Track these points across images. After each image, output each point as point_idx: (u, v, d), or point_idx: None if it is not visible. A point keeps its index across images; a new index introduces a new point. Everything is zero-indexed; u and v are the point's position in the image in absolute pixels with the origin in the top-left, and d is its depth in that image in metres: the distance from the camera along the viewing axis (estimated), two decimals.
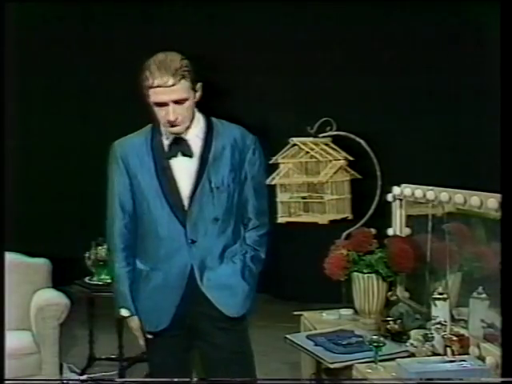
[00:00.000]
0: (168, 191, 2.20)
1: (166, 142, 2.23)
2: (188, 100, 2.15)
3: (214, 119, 2.29)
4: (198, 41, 4.78)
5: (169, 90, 2.10)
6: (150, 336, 2.30)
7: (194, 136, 2.23)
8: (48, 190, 5.10)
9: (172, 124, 2.15)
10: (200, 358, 2.34)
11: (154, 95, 2.11)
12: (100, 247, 3.79)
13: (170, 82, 2.09)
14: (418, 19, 4.56)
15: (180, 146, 2.22)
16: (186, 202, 2.21)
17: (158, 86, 2.09)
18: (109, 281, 3.82)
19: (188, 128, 2.21)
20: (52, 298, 3.56)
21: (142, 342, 2.35)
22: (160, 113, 2.15)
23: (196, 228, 2.20)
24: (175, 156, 2.21)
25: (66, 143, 5.20)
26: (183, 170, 2.22)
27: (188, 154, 2.22)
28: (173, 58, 2.12)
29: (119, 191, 2.26)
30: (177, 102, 2.12)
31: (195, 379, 2.30)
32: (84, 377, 3.62)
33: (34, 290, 3.64)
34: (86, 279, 3.85)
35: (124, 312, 2.29)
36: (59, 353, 3.52)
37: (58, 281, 3.87)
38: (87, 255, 3.84)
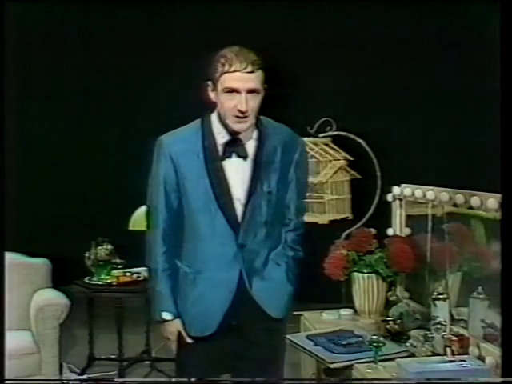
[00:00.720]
0: (219, 193, 2.10)
1: (220, 142, 2.11)
2: (259, 94, 2.05)
3: (263, 118, 2.17)
4: None
5: (246, 76, 2.01)
6: (190, 341, 2.20)
7: (248, 136, 2.13)
8: (48, 189, 5.11)
9: (242, 115, 2.04)
10: (235, 357, 2.23)
11: (229, 81, 2.01)
12: (100, 247, 3.78)
13: (249, 68, 2.01)
14: (419, 19, 4.56)
15: (235, 146, 2.11)
16: (237, 206, 2.12)
17: (234, 71, 2.01)
18: (108, 281, 3.83)
19: (249, 127, 2.10)
20: (52, 298, 3.56)
21: (174, 346, 2.24)
22: (229, 102, 2.03)
23: (247, 232, 2.13)
24: (229, 157, 2.11)
25: (66, 143, 5.20)
26: (236, 172, 2.12)
27: (243, 155, 2.11)
28: (249, 51, 2.05)
29: (166, 190, 2.15)
30: (250, 91, 2.02)
31: (193, 379, 2.27)
32: (84, 376, 3.62)
33: (33, 290, 3.63)
34: (86, 279, 3.84)
35: (166, 315, 2.18)
36: (59, 353, 3.52)
37: (58, 281, 3.86)
38: (87, 255, 3.83)
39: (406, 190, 2.95)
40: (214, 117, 2.14)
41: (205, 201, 2.11)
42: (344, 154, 3.88)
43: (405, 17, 4.60)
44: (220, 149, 2.11)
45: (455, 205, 2.56)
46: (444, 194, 2.63)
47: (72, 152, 5.20)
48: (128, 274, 3.86)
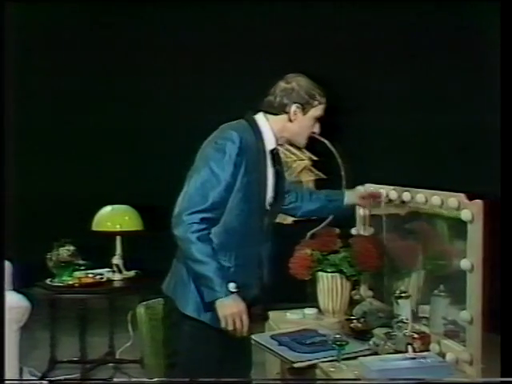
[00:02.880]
0: (258, 191, 2.30)
1: (268, 148, 2.35)
2: None
3: None
4: None
5: (324, 108, 2.40)
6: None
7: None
8: (7, 190, 5.00)
9: (312, 136, 2.41)
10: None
11: (321, 111, 2.38)
12: (62, 248, 3.73)
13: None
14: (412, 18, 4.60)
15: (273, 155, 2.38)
16: (268, 203, 2.36)
17: (324, 104, 2.38)
18: (71, 282, 3.77)
19: None
20: (12, 301, 3.49)
21: (246, 328, 2.26)
22: (313, 127, 2.39)
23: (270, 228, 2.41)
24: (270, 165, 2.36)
25: (29, 143, 5.12)
26: (269, 172, 2.36)
27: (275, 165, 2.39)
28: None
29: (227, 183, 2.23)
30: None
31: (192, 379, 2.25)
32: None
33: None
34: (48, 281, 3.78)
35: (232, 287, 2.22)
36: (19, 356, 3.45)
37: (19, 283, 3.79)
38: (49, 256, 3.77)
39: (370, 189, 2.97)
40: (261, 121, 2.34)
41: (249, 196, 2.27)
42: (308, 154, 3.90)
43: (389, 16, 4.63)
44: (268, 153, 2.34)
45: (417, 204, 2.59)
46: (406, 193, 2.66)
47: (33, 152, 5.13)
48: (91, 275, 3.82)
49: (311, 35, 4.82)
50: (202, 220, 2.18)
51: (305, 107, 2.34)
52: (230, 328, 2.23)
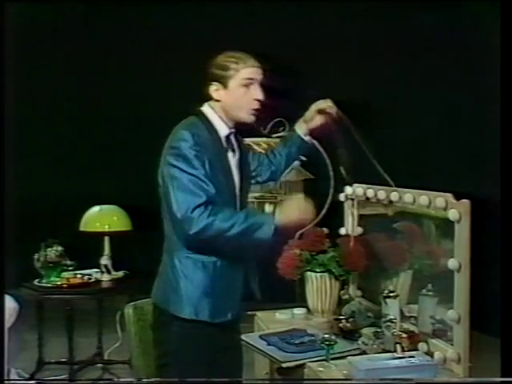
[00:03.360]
0: (226, 181, 2.26)
1: (222, 135, 2.30)
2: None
3: None
4: None
5: (259, 70, 2.28)
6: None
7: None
8: None
9: (259, 105, 2.25)
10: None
11: (248, 74, 2.24)
12: (50, 248, 3.71)
13: (257, 64, 2.27)
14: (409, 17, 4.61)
15: (231, 140, 2.32)
16: (237, 189, 2.32)
17: (251, 66, 2.25)
18: (59, 283, 3.75)
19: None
20: None
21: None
22: (247, 94, 2.25)
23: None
24: (229, 150, 2.30)
25: (19, 144, 5.09)
26: (231, 158, 2.32)
27: (234, 149, 2.32)
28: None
29: (205, 175, 2.20)
30: (261, 85, 2.27)
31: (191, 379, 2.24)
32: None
33: None
34: (35, 281, 3.76)
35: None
36: (7, 358, 3.42)
37: (6, 284, 3.76)
38: (36, 257, 3.75)
39: (358, 189, 2.98)
40: (209, 112, 2.30)
41: (219, 189, 2.22)
42: None
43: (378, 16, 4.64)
44: (223, 141, 2.29)
45: (405, 204, 2.60)
46: (394, 193, 2.68)
47: (20, 153, 5.10)
48: (79, 275, 3.80)
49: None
50: (207, 206, 2.15)
51: (221, 81, 2.25)
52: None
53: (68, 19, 5.18)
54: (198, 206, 2.14)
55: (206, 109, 2.31)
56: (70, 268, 3.80)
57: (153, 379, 2.24)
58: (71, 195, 4.86)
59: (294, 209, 2.19)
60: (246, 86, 2.25)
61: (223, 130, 2.30)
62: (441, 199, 2.35)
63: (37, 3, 4.85)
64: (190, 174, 2.16)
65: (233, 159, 2.32)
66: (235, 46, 2.29)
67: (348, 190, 3.07)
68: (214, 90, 2.27)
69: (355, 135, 2.38)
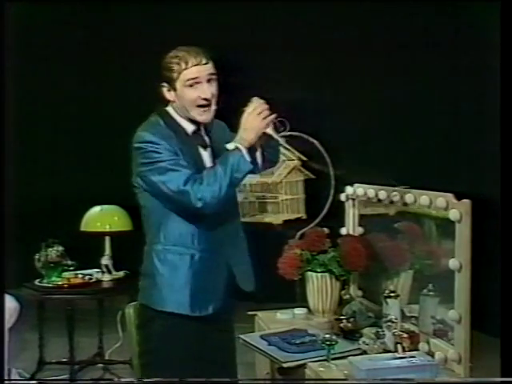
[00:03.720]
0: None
1: (189, 131, 2.29)
2: (216, 81, 2.26)
3: None
4: None
5: (203, 68, 2.22)
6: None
7: (209, 126, 2.33)
8: None
9: (206, 103, 2.22)
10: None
11: (190, 74, 2.21)
12: (50, 249, 3.71)
13: (204, 60, 2.22)
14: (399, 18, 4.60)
15: (198, 136, 2.30)
16: None
17: (192, 66, 2.21)
18: (59, 283, 3.75)
19: (212, 117, 2.29)
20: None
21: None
22: (193, 94, 2.22)
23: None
24: (199, 145, 2.29)
25: (18, 144, 5.10)
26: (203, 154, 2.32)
27: (205, 145, 2.30)
28: (195, 47, 2.25)
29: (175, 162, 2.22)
30: (209, 80, 2.23)
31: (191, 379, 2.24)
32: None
33: None
34: (36, 282, 3.76)
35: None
36: (7, 358, 3.42)
37: (7, 284, 3.76)
38: (37, 257, 3.75)
39: (359, 189, 2.98)
40: (171, 110, 2.29)
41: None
42: (298, 154, 3.90)
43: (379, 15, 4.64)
44: (191, 137, 2.28)
45: (406, 204, 2.60)
46: (395, 193, 2.67)
47: (20, 153, 5.10)
48: (79, 275, 3.80)
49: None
50: (193, 178, 2.18)
51: (169, 83, 2.24)
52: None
53: (68, 19, 5.18)
54: (187, 179, 2.17)
55: (169, 108, 2.31)
56: (71, 268, 3.80)
57: (153, 379, 2.23)
58: (72, 195, 4.86)
59: (251, 120, 2.19)
60: (191, 85, 2.22)
61: (189, 127, 2.29)
62: (442, 199, 2.35)
63: (37, 3, 4.85)
64: (164, 160, 2.19)
65: (205, 154, 2.31)
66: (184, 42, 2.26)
67: (349, 189, 3.07)
68: (166, 91, 2.27)
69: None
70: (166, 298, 2.25)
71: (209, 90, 2.22)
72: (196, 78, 2.21)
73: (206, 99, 2.23)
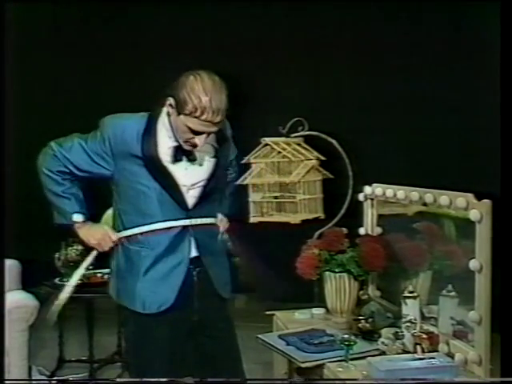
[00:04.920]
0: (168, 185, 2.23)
1: (169, 145, 2.20)
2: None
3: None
4: None
5: (213, 126, 2.11)
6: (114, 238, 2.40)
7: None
8: (15, 190, 5.02)
9: (194, 145, 2.15)
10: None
11: (196, 125, 2.09)
12: (70, 248, 3.73)
13: (218, 119, 2.09)
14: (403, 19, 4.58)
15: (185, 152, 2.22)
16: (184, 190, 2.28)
17: (205, 120, 2.07)
18: (79, 281, 3.78)
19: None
20: (21, 300, 3.50)
21: (96, 251, 2.47)
22: (189, 134, 2.12)
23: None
24: (179, 161, 2.21)
25: (33, 142, 5.14)
26: (185, 173, 2.26)
27: (193, 158, 2.21)
28: (223, 95, 2.08)
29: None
30: (210, 134, 2.14)
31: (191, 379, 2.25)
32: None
33: None
34: (56, 280, 3.79)
35: (77, 217, 2.39)
36: (28, 355, 3.46)
37: (28, 282, 3.80)
38: (57, 256, 3.78)
39: (378, 189, 2.97)
40: (162, 115, 2.20)
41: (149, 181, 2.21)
42: (316, 153, 3.89)
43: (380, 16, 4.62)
44: (168, 152, 2.18)
45: (425, 204, 2.58)
46: (414, 193, 2.66)
47: (36, 151, 5.15)
48: (99, 274, 3.82)
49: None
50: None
51: (178, 106, 2.09)
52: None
53: (67, 19, 5.19)
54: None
55: (163, 112, 2.20)
56: (91, 267, 3.82)
57: (153, 379, 2.25)
58: (92, 195, 4.88)
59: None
60: (190, 129, 2.10)
61: (169, 139, 2.18)
62: (462, 199, 2.33)
63: (37, 3, 4.87)
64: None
65: (183, 172, 2.21)
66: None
67: (367, 189, 3.06)
68: (168, 104, 2.14)
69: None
70: (146, 303, 2.27)
71: (203, 141, 2.13)
72: (198, 130, 2.10)
73: (195, 145, 2.14)
